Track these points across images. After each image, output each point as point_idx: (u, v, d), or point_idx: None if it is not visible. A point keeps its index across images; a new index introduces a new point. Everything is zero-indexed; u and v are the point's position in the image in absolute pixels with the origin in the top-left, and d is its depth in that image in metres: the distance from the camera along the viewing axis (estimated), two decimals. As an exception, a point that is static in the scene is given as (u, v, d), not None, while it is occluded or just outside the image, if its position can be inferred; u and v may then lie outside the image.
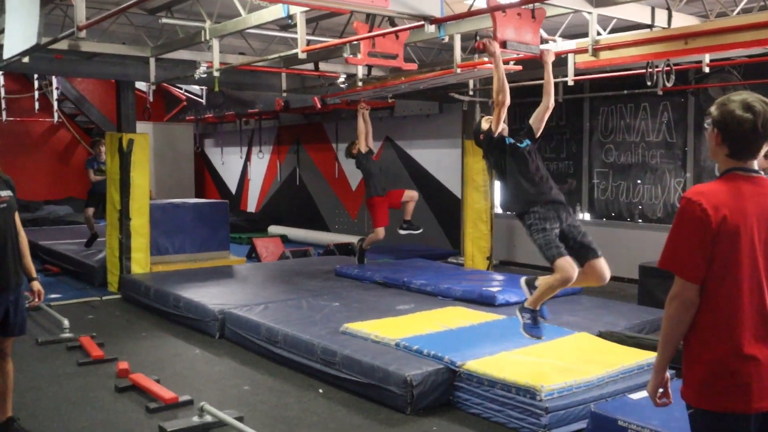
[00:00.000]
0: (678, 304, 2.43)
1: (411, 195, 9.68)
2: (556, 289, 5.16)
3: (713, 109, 2.48)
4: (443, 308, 6.88)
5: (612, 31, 7.21)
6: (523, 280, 5.42)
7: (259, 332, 6.40)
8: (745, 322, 2.37)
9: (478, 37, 7.45)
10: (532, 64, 8.79)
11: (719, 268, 2.37)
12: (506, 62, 7.72)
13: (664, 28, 6.38)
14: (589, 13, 6.03)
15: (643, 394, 4.48)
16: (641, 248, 9.96)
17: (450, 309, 6.82)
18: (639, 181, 10.44)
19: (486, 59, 7.73)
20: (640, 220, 10.43)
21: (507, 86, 5.22)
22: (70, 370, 5.96)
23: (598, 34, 6.58)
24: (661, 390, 2.58)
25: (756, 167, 2.47)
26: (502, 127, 5.32)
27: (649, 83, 6.97)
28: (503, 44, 5.37)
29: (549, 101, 5.44)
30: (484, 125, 5.47)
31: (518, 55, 6.15)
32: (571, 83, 7.70)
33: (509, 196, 5.36)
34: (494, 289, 7.51)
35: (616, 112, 10.68)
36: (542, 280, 5.27)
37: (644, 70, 7.89)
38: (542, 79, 5.53)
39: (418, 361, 5.15)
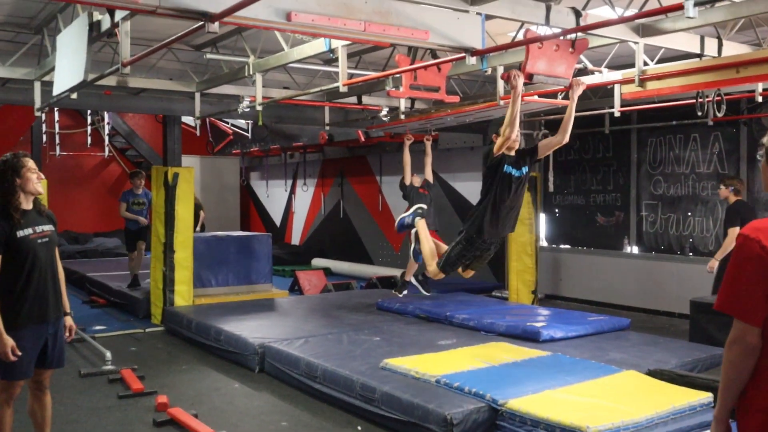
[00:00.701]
0: (739, 349, 2.26)
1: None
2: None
3: (766, 140, 2.35)
4: (486, 344, 6.73)
5: (660, 61, 7.07)
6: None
7: (299, 367, 6.33)
8: None
9: (503, 69, 7.39)
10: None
11: None
12: (531, 95, 7.64)
13: (714, 57, 6.22)
14: (636, 43, 5.90)
15: (696, 437, 4.28)
16: (692, 282, 9.65)
17: (493, 344, 6.66)
18: (689, 214, 10.16)
19: (531, 92, 7.66)
20: (691, 254, 10.13)
21: (517, 123, 5.22)
22: (110, 403, 5.96)
23: (645, 64, 6.45)
24: None
25: None
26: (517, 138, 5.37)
27: (699, 113, 6.79)
28: (529, 77, 5.27)
29: (563, 139, 5.49)
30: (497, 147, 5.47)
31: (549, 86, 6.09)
32: (617, 114, 7.57)
33: (472, 215, 5.65)
34: (538, 324, 7.32)
35: (665, 143, 10.45)
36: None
37: (694, 101, 7.72)
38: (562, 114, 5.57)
39: (459, 398, 5.01)
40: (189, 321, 8.34)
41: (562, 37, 5.23)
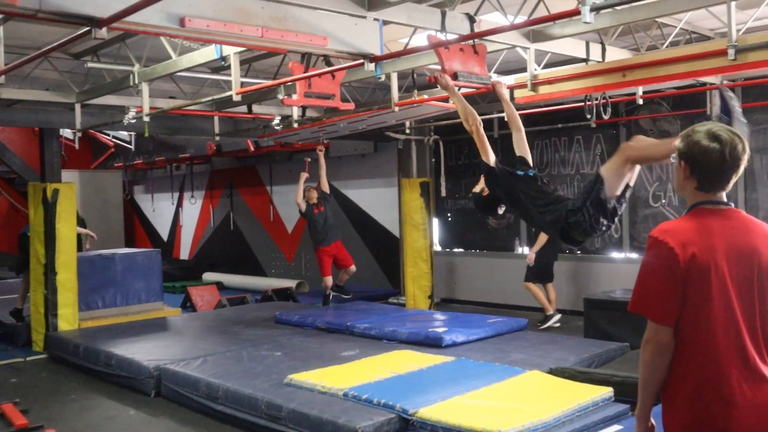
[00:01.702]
0: (653, 348, 2.31)
1: (352, 270, 10.10)
2: None
3: (678, 142, 2.39)
4: (390, 352, 6.68)
5: (545, 66, 7.27)
6: None
7: (198, 388, 6.06)
8: (723, 363, 2.25)
9: (426, 72, 7.40)
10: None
11: (691, 308, 2.26)
12: (447, 99, 7.70)
13: (598, 61, 6.45)
14: (527, 48, 6.03)
15: (603, 433, 4.38)
16: (582, 280, 10.02)
17: (397, 353, 6.62)
18: (576, 214, 10.51)
19: (425, 96, 7.71)
20: (579, 252, 10.49)
21: (472, 110, 4.99)
22: (-8, 441, 5.51)
23: (535, 69, 6.61)
24: None
25: (724, 199, 2.38)
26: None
27: (588, 116, 7.03)
28: (454, 75, 5.27)
29: (519, 130, 5.17)
30: (477, 188, 5.21)
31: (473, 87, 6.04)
32: (507, 119, 7.71)
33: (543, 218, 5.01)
34: (440, 330, 7.35)
35: (551, 145, 10.79)
36: None
37: (578, 104, 8.01)
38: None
39: (369, 411, 4.92)
40: (76, 346, 7.85)
41: (464, 42, 5.26)
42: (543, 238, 9.29)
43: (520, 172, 4.71)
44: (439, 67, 5.45)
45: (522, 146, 5.04)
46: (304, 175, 9.95)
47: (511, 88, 6.91)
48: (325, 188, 9.65)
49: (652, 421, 2.42)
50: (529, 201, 4.61)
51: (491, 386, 5.20)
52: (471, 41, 5.30)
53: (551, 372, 5.83)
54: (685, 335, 2.28)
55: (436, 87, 8.78)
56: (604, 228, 3.74)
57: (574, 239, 4.05)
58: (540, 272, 9.53)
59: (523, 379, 5.48)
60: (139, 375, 6.73)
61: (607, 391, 5.07)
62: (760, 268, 2.32)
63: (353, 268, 10.15)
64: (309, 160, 10.30)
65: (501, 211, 5.10)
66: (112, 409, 6.33)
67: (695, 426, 2.26)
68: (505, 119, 5.02)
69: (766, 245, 2.35)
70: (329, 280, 9.88)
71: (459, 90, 6.35)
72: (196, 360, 6.70)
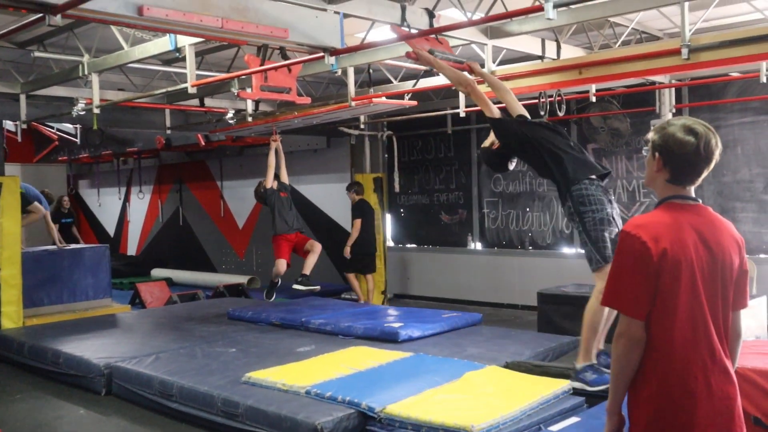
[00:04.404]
0: (625, 342, 2.33)
1: (313, 244, 9.13)
2: None
3: (652, 134, 2.42)
4: (347, 348, 6.63)
5: (500, 63, 7.32)
6: None
7: (151, 386, 5.93)
8: (691, 358, 2.30)
9: (371, 71, 7.38)
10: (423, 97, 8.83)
11: (662, 302, 2.30)
12: (380, 96, 7.67)
13: (553, 59, 6.52)
14: (484, 45, 6.06)
15: (563, 425, 4.43)
16: (535, 275, 10.15)
17: (354, 349, 6.58)
18: (528, 209, 10.66)
19: (379, 93, 7.70)
20: (531, 247, 10.63)
21: (461, 74, 4.93)
22: (-66, 443, 5.30)
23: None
24: None
25: (693, 194, 2.43)
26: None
27: (542, 112, 7.11)
28: (430, 52, 5.23)
29: (507, 91, 5.10)
30: (487, 143, 5.18)
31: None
32: (463, 114, 7.78)
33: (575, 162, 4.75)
34: (396, 325, 7.34)
35: (503, 142, 10.88)
36: None
37: (529, 101, 8.08)
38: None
39: (328, 407, 4.88)
40: (20, 344, 7.60)
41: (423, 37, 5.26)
42: (355, 232, 10.32)
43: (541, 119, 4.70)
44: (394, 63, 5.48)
45: (516, 105, 4.97)
46: (275, 144, 9.00)
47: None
48: (285, 179, 9.35)
49: (622, 414, 2.45)
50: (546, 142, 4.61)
51: (454, 382, 5.20)
52: (432, 35, 5.31)
53: (507, 366, 5.87)
54: (654, 328, 2.31)
55: (392, 83, 8.83)
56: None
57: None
58: (357, 264, 10.45)
59: (483, 374, 5.49)
60: (89, 373, 6.55)
61: (566, 385, 5.14)
62: (723, 265, 2.37)
63: (318, 244, 9.26)
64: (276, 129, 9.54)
65: (512, 166, 5.14)
66: (61, 409, 6.16)
67: (661, 419, 2.30)
68: (491, 90, 5.07)
69: (730, 243, 2.40)
70: (283, 264, 9.02)
71: (415, 85, 6.39)
72: (148, 357, 6.55)
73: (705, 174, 2.39)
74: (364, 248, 10.45)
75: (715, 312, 2.34)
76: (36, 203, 9.59)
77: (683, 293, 2.29)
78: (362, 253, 10.43)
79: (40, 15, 3.53)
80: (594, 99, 7.39)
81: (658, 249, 2.27)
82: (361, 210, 10.43)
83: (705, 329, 2.31)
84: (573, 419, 4.53)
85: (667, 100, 8.00)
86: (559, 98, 7.15)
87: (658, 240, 2.29)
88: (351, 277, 10.45)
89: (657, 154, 2.39)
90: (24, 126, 8.70)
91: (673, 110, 8.12)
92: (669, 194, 2.41)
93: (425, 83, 7.89)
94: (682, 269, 2.29)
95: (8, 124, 11.64)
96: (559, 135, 4.80)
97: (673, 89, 8.18)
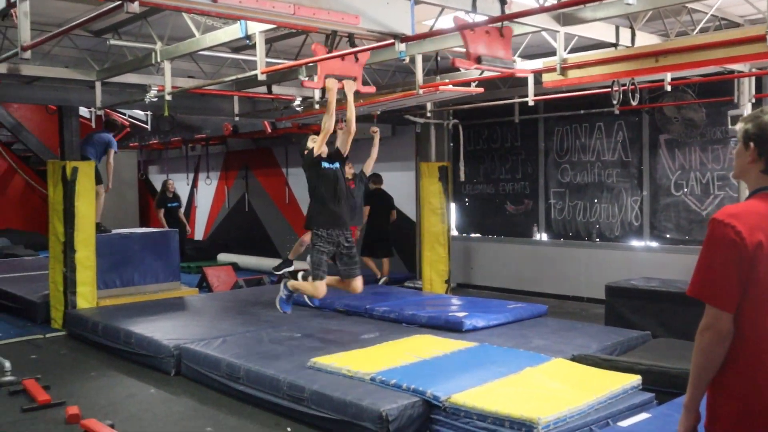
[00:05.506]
0: (712, 335, 2.22)
1: (306, 241, 9.17)
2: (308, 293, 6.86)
3: (745, 124, 2.31)
4: (411, 337, 6.64)
5: (572, 51, 7.16)
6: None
7: (219, 368, 6.05)
8: None
9: (439, 58, 7.29)
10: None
11: (754, 295, 2.18)
12: (469, 83, 7.60)
13: (627, 46, 6.34)
14: (556, 31, 5.93)
15: (632, 420, 4.33)
16: (601, 267, 9.94)
17: (418, 337, 6.58)
18: (596, 201, 10.44)
19: (446, 81, 7.62)
20: (598, 239, 10.42)
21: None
22: (14, 417, 5.50)
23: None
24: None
25: None
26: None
27: (615, 102, 6.93)
28: (477, 59, 5.20)
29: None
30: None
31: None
32: (531, 103, 7.64)
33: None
34: (460, 315, 7.31)
35: (571, 131, 10.69)
36: (300, 284, 6.89)
37: (600, 90, 7.90)
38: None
39: (393, 394, 4.89)
40: (95, 324, 7.86)
41: (490, 25, 5.17)
42: (364, 218, 10.58)
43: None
44: (464, 50, 5.40)
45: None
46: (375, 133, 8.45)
47: (539, 72, 6.81)
48: (369, 171, 9.05)
49: (700, 410, 2.36)
50: None
51: (520, 373, 5.14)
52: (498, 24, 5.22)
53: (574, 359, 5.79)
54: (744, 322, 2.21)
55: (459, 70, 8.72)
56: None
57: None
58: (369, 248, 11.09)
59: (550, 367, 5.42)
60: (160, 354, 6.73)
61: (635, 379, 5.03)
62: None
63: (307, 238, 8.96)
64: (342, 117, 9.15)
65: None
66: (132, 387, 6.34)
67: (749, 415, 2.19)
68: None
69: None
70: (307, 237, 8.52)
71: (482, 74, 6.33)
72: (216, 340, 6.69)
73: None
74: (375, 234, 11.08)
75: None
76: (99, 186, 9.74)
77: None
78: (374, 239, 11.10)
79: (119, 3, 3.60)
80: (669, 88, 7.15)
81: (753, 239, 2.17)
82: (371, 198, 10.84)
83: None
84: (643, 415, 4.42)
85: (746, 90, 7.68)
86: (633, 87, 6.95)
87: (753, 230, 2.18)
88: (366, 259, 10.88)
89: (752, 144, 2.28)
90: (99, 112, 8.93)
91: (753, 100, 7.79)
92: (764, 184, 2.29)
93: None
94: None
95: (82, 111, 12.02)
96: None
97: (753, 78, 7.85)
